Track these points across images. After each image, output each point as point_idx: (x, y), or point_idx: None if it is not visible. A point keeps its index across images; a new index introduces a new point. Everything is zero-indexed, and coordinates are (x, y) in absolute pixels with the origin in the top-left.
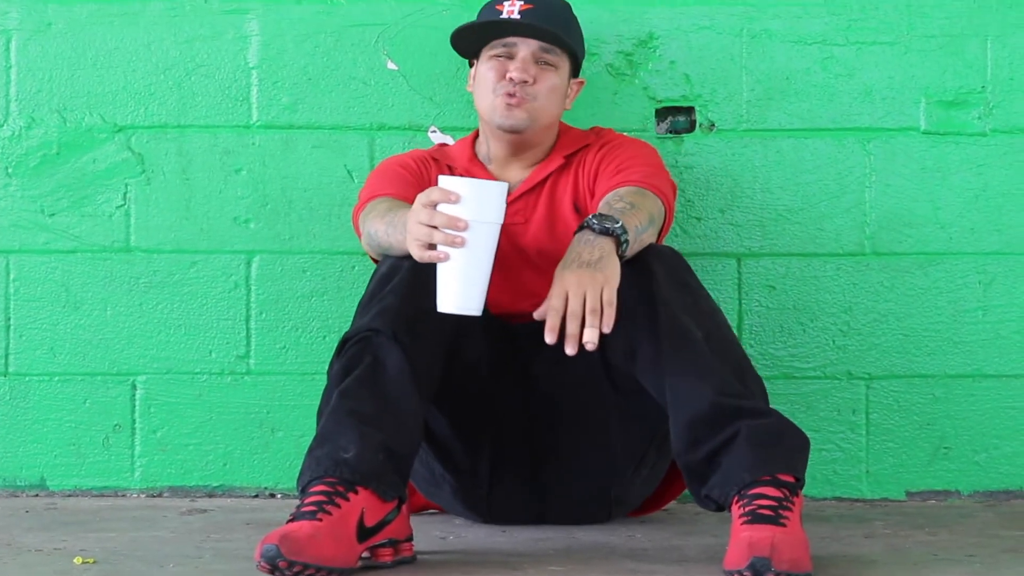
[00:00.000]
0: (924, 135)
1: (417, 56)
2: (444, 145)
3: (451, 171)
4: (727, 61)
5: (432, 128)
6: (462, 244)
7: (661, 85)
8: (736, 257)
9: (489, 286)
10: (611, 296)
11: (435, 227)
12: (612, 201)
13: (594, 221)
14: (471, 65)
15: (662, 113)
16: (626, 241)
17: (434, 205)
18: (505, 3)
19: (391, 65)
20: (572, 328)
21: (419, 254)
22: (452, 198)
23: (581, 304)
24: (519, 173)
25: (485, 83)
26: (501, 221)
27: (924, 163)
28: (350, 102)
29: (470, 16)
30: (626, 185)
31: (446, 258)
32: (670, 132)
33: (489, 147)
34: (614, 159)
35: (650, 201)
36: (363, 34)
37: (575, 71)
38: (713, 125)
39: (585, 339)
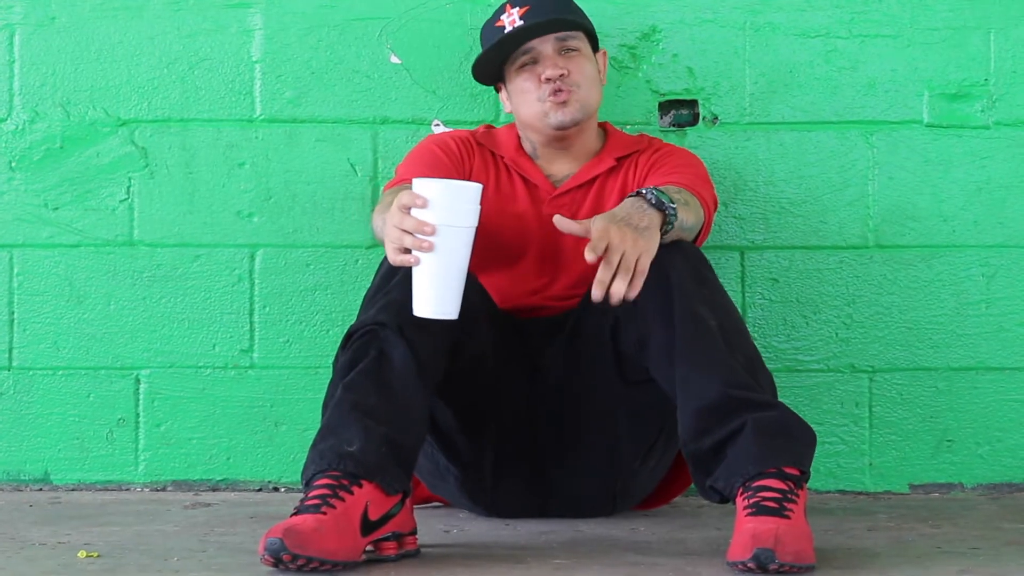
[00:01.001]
0: (927, 128)
1: (420, 50)
2: (491, 129)
3: (496, 159)
4: (730, 54)
5: (435, 121)
6: (429, 249)
7: (664, 78)
8: (739, 250)
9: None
10: (644, 266)
11: (407, 231)
12: (669, 189)
13: (653, 193)
14: (498, 90)
15: (665, 106)
16: (671, 223)
17: (408, 208)
18: (503, 16)
19: (394, 59)
20: (604, 275)
21: (392, 257)
22: (419, 202)
23: (618, 259)
24: (568, 167)
25: (526, 94)
26: (474, 224)
27: (927, 156)
28: (353, 96)
29: (473, 9)
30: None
31: (416, 262)
32: (673, 125)
33: (534, 146)
34: (665, 164)
35: (696, 206)
36: (366, 28)
37: (594, 45)
38: (716, 118)
39: (614, 289)
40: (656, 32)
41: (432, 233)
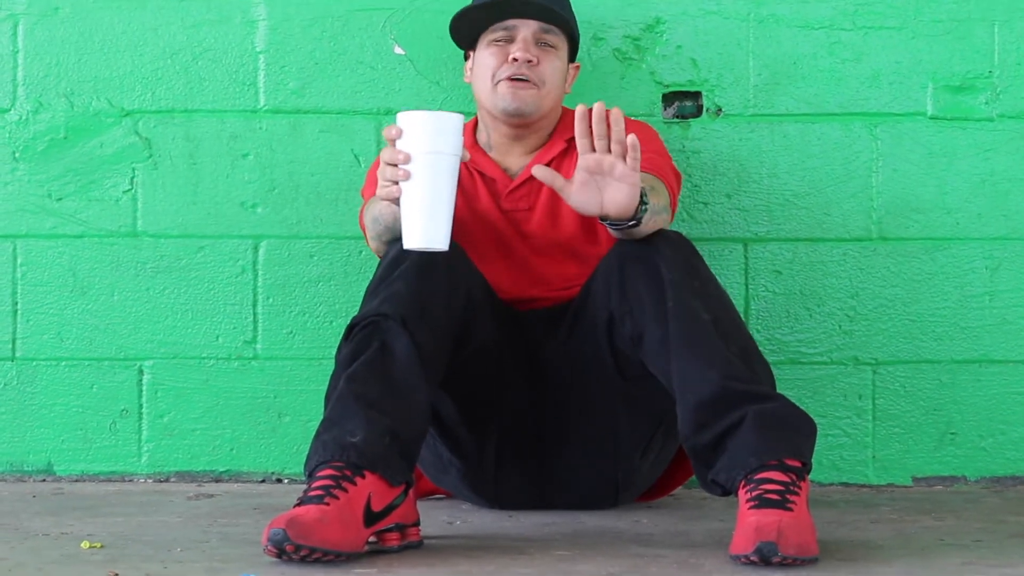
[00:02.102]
0: (931, 120)
1: (424, 41)
2: None
3: None
4: (734, 46)
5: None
6: (406, 177)
7: (668, 70)
8: (743, 242)
9: (497, 270)
10: (634, 142)
11: (389, 163)
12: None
13: None
14: (466, 57)
15: (669, 98)
16: (644, 209)
17: (394, 142)
18: None
19: (398, 50)
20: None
21: (379, 193)
22: (393, 132)
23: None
24: (521, 159)
25: (486, 69)
26: (458, 153)
27: (931, 148)
28: (357, 86)
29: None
30: None
31: (399, 192)
32: (677, 117)
33: (489, 134)
34: None
35: (661, 188)
36: (370, 19)
37: (572, 55)
38: (720, 110)
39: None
40: (660, 23)
41: (406, 161)
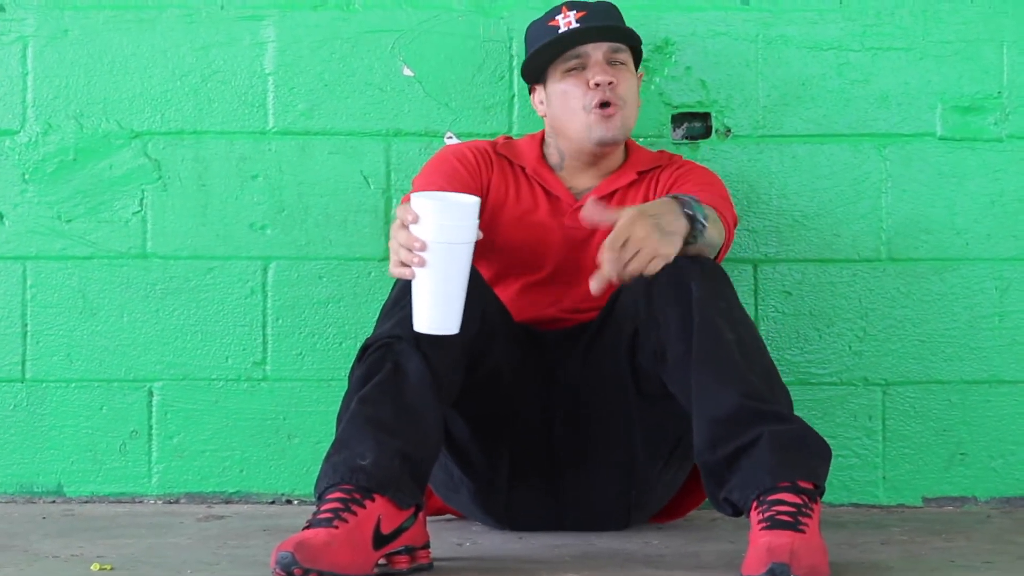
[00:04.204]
0: (940, 141)
1: (433, 62)
2: (510, 140)
3: (515, 170)
4: (743, 67)
5: (448, 134)
6: (420, 264)
7: (677, 91)
8: (752, 263)
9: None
10: (655, 270)
11: (402, 246)
12: (703, 203)
13: (690, 202)
14: (531, 91)
15: (678, 119)
16: (696, 237)
17: (406, 224)
18: (559, 17)
19: (407, 71)
20: (610, 268)
21: (392, 270)
22: (409, 218)
23: (631, 256)
24: (589, 180)
25: (570, 99)
26: (469, 241)
27: (940, 169)
28: (366, 108)
29: (486, 22)
30: None
31: (412, 276)
32: (686, 138)
33: (562, 156)
34: (688, 182)
35: (720, 226)
36: (379, 40)
37: (636, 64)
38: (729, 131)
39: (614, 278)
40: (669, 45)
41: (422, 249)
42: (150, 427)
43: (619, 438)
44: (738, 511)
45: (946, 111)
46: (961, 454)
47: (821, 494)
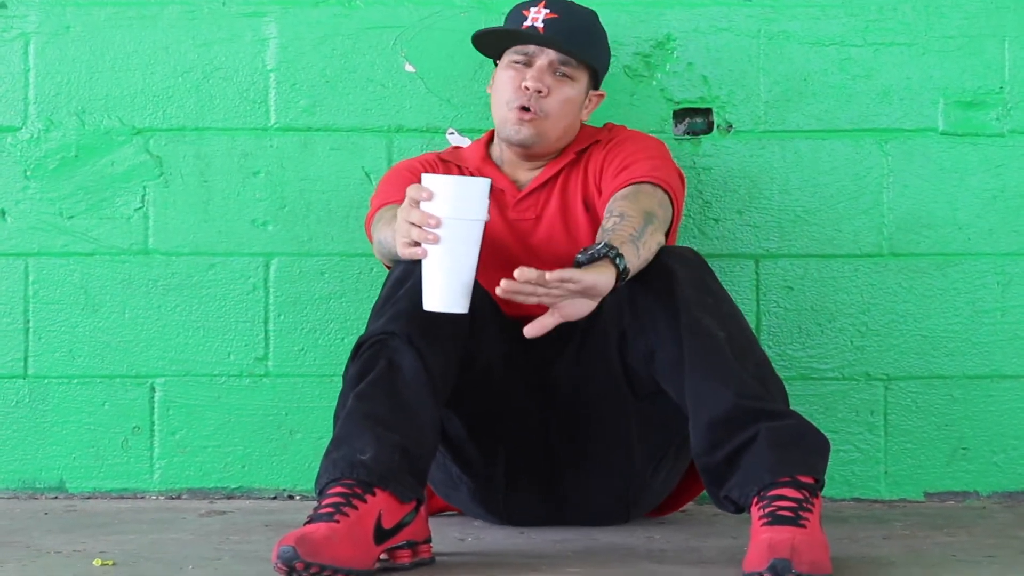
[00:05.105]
0: (942, 136)
1: (435, 58)
2: (458, 148)
3: (460, 172)
4: (744, 62)
5: (450, 130)
6: (435, 241)
7: (678, 86)
8: (754, 258)
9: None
10: (571, 317)
11: (414, 224)
12: (604, 223)
13: (582, 258)
14: (496, 64)
15: (680, 115)
16: (621, 256)
17: (417, 203)
18: (532, 9)
19: (409, 67)
20: (548, 321)
21: (401, 251)
22: (424, 195)
23: (547, 302)
24: (530, 172)
25: (500, 92)
26: (483, 218)
27: (942, 164)
28: (368, 104)
29: (488, 18)
30: (629, 183)
31: (424, 255)
32: (688, 133)
33: (502, 150)
34: (617, 155)
35: (646, 198)
36: (381, 36)
37: (596, 83)
38: (731, 126)
39: (521, 280)
40: (671, 40)
41: (437, 225)
42: (152, 423)
43: (616, 437)
44: (739, 509)
45: (948, 106)
46: (963, 449)
47: (821, 488)
